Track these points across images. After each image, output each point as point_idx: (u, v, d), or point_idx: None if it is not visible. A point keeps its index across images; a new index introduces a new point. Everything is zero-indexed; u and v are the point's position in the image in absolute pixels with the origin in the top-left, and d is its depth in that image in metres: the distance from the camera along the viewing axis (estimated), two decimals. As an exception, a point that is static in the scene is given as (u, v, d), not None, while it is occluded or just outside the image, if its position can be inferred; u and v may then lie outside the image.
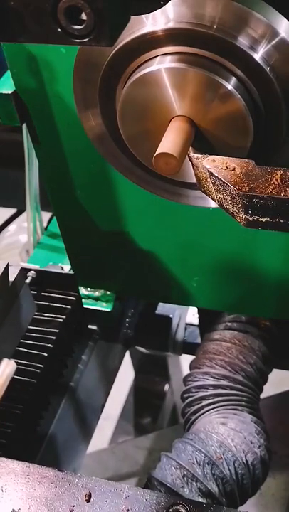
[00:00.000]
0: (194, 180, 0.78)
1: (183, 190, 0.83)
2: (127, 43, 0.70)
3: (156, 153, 0.67)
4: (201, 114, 0.71)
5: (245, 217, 0.61)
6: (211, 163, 0.64)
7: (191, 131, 0.71)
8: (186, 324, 1.34)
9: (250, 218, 0.61)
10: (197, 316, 1.28)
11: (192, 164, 0.67)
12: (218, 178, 0.62)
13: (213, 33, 0.67)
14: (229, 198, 0.62)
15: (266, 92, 0.69)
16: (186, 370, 1.08)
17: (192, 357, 1.10)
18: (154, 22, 0.68)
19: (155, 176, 0.81)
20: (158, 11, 0.54)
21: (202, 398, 1.00)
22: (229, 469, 0.89)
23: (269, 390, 1.19)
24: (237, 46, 0.67)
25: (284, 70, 0.68)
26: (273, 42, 0.67)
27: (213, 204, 0.84)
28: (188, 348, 1.28)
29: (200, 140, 0.72)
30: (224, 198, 0.63)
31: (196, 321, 1.31)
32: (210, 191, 0.65)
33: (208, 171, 0.64)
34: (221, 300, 1.02)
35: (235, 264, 0.95)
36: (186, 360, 1.27)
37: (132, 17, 0.51)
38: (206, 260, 0.96)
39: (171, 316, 1.28)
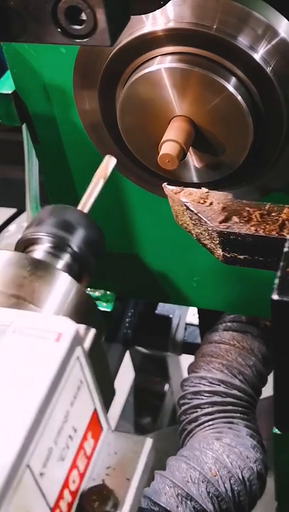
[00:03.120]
0: (195, 180, 0.78)
1: (183, 191, 0.83)
2: (127, 43, 0.70)
3: (160, 153, 0.67)
4: (201, 114, 0.71)
5: (223, 254, 0.59)
6: (188, 197, 0.62)
7: (191, 131, 0.71)
8: (186, 324, 1.34)
9: (228, 255, 0.59)
10: (197, 316, 1.28)
11: (168, 196, 0.64)
12: (195, 213, 0.60)
13: (213, 33, 0.67)
14: (206, 234, 0.60)
15: (266, 92, 0.69)
16: (185, 370, 1.08)
17: (192, 357, 1.09)
18: (154, 22, 0.68)
19: (155, 175, 0.81)
20: (158, 11, 0.54)
21: (197, 406, 0.99)
22: (225, 486, 0.87)
23: (269, 390, 1.19)
24: (237, 46, 0.67)
25: (284, 70, 0.68)
26: (273, 42, 0.67)
27: (213, 204, 0.85)
28: (188, 348, 1.28)
29: (200, 140, 0.73)
30: (201, 233, 0.61)
31: (196, 321, 1.31)
32: (187, 225, 0.63)
33: (185, 204, 0.61)
34: (221, 300, 1.02)
35: (235, 264, 0.95)
36: (186, 360, 1.27)
37: (132, 17, 0.51)
38: (206, 260, 0.96)
39: (171, 316, 1.27)
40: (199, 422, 0.98)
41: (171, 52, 0.69)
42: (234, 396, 0.99)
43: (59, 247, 0.56)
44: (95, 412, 0.46)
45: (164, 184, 0.65)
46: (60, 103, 0.83)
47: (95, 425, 0.46)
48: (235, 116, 0.70)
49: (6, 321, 0.42)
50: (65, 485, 0.42)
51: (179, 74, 0.69)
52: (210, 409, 0.98)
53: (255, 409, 1.03)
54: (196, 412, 0.99)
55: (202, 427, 0.97)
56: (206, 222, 0.59)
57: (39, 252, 0.56)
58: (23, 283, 0.49)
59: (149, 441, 0.50)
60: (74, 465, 0.43)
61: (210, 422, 0.97)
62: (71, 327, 0.42)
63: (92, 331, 0.43)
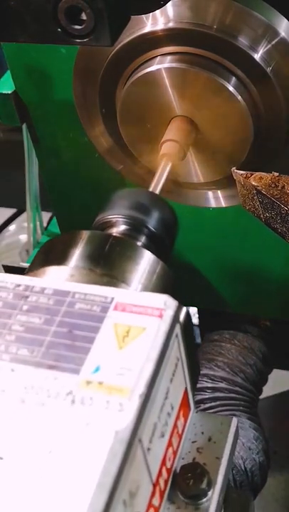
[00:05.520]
0: (195, 180, 0.78)
1: (183, 190, 0.83)
2: (127, 43, 0.70)
3: (160, 153, 0.67)
4: (201, 114, 0.71)
5: None
6: (259, 181, 0.62)
7: (191, 132, 0.71)
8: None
9: None
10: (197, 316, 1.28)
11: (236, 181, 0.64)
12: (267, 197, 0.60)
13: (213, 33, 0.67)
14: (278, 218, 0.61)
15: (266, 92, 0.69)
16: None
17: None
18: (154, 22, 0.68)
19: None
20: (158, 11, 0.54)
21: (200, 402, 1.00)
22: None
23: (269, 390, 1.19)
24: (237, 46, 0.67)
25: (284, 69, 0.68)
26: (273, 42, 0.67)
27: (213, 204, 0.85)
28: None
29: (200, 140, 0.72)
30: (272, 217, 0.61)
31: (196, 321, 1.31)
32: (255, 209, 0.63)
33: (256, 188, 0.61)
34: (221, 300, 1.02)
35: (236, 264, 0.95)
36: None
37: (132, 17, 0.51)
38: (206, 260, 0.96)
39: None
40: None
41: (171, 52, 0.69)
42: (236, 392, 1.00)
43: (136, 228, 0.57)
44: (186, 390, 0.47)
45: (233, 169, 0.65)
46: (60, 103, 0.83)
47: (185, 404, 0.47)
48: (235, 116, 0.69)
49: (107, 298, 0.43)
50: (163, 462, 0.43)
51: (179, 74, 0.68)
52: (213, 404, 0.98)
53: (257, 406, 1.04)
54: (199, 406, 1.00)
55: None
56: (279, 206, 0.59)
57: (117, 234, 0.57)
58: (114, 263, 0.50)
59: (234, 421, 0.51)
60: (170, 443, 0.44)
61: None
62: (172, 304, 0.42)
63: (184, 309, 0.43)
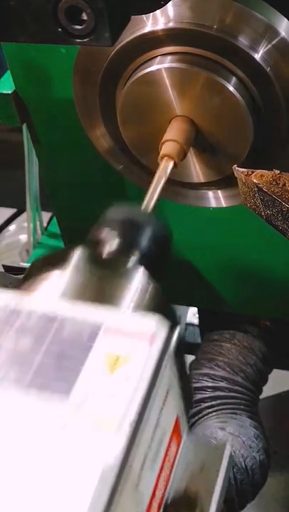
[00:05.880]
0: (195, 180, 0.78)
1: (183, 190, 0.83)
2: (127, 43, 0.70)
3: (160, 153, 0.67)
4: (201, 114, 0.71)
5: None
6: (260, 179, 0.62)
7: (191, 132, 0.71)
8: (186, 324, 1.34)
9: None
10: (197, 316, 1.28)
11: (238, 179, 0.65)
12: (268, 194, 0.61)
13: (214, 33, 0.67)
14: (280, 215, 0.61)
15: (266, 92, 0.69)
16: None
17: (192, 357, 1.09)
18: (155, 22, 0.68)
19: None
20: (158, 11, 0.54)
21: (201, 400, 1.00)
22: None
23: (269, 390, 1.19)
24: (237, 46, 0.67)
25: (284, 70, 0.68)
26: (274, 42, 0.67)
27: (213, 204, 0.85)
28: (189, 348, 1.28)
29: (200, 140, 0.72)
30: (273, 215, 0.61)
31: (196, 321, 1.31)
32: (256, 206, 0.63)
33: (257, 186, 0.62)
34: (221, 300, 1.02)
35: (236, 264, 0.95)
36: (186, 360, 1.27)
37: (132, 17, 0.51)
38: (206, 260, 0.96)
39: (171, 316, 1.27)
40: (203, 413, 0.99)
41: (172, 52, 0.69)
42: (237, 391, 1.00)
43: (128, 247, 0.57)
44: (178, 418, 0.46)
45: (234, 166, 0.65)
46: (60, 103, 0.83)
47: (176, 431, 0.46)
48: (235, 116, 0.70)
49: (97, 320, 0.42)
50: (154, 492, 0.42)
51: (179, 74, 0.69)
52: (213, 403, 0.99)
53: (257, 405, 1.04)
54: (200, 405, 1.00)
55: (206, 417, 0.98)
56: (280, 203, 0.60)
57: (109, 253, 0.56)
58: (104, 284, 0.50)
59: (228, 447, 0.49)
60: (161, 471, 0.43)
61: (214, 414, 0.98)
62: (163, 327, 0.41)
63: (177, 332, 0.42)
